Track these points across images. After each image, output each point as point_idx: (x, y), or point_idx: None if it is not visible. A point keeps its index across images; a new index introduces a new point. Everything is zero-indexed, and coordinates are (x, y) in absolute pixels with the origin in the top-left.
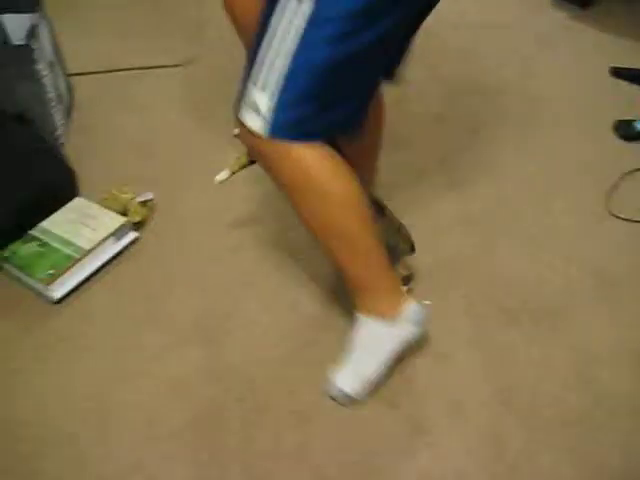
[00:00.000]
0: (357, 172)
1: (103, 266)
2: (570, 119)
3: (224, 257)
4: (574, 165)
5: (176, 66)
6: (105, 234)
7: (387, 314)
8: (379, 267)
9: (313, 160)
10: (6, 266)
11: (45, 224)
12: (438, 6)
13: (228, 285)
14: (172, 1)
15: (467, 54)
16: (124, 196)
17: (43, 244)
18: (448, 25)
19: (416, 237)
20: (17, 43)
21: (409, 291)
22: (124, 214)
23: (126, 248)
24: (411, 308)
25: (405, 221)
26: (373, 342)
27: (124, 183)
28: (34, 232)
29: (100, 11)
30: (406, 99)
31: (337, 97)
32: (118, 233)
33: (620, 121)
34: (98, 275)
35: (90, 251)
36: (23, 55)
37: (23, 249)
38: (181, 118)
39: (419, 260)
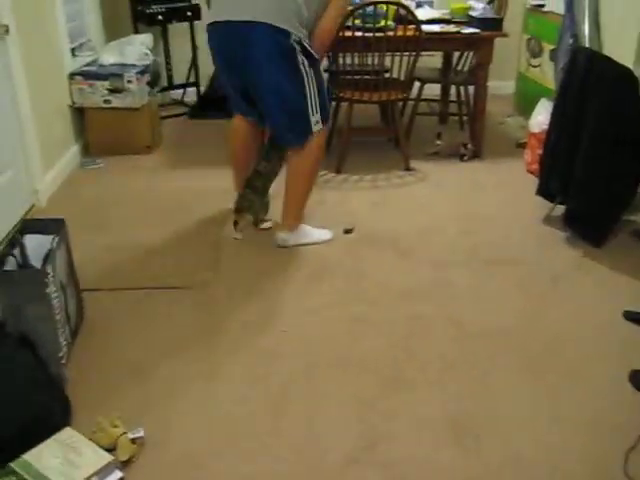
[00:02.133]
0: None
1: None
2: (583, 365)
3: None
4: (587, 418)
5: (187, 288)
6: (87, 474)
7: None
8: None
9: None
10: None
11: (28, 457)
12: (448, 239)
13: None
14: (196, 223)
15: (477, 291)
16: (115, 430)
17: None
18: (458, 261)
19: None
20: (33, 266)
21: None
22: (112, 449)
23: None
24: None
25: None
26: None
27: (118, 411)
28: (14, 465)
29: (126, 226)
30: (412, 335)
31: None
32: (102, 472)
33: (636, 371)
34: None
35: None
36: (36, 278)
37: None
38: (183, 343)
39: None
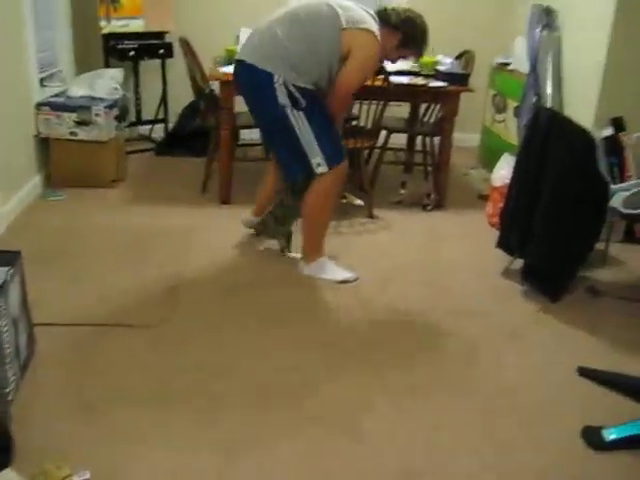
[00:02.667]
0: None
1: None
2: (537, 419)
3: None
4: (538, 474)
5: (143, 327)
6: None
7: None
8: None
9: None
10: None
11: None
12: (410, 288)
13: None
14: (156, 261)
15: (435, 341)
16: (59, 472)
17: None
18: (419, 310)
19: None
20: None
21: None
22: None
23: None
24: None
25: None
26: None
27: (64, 452)
28: None
29: (85, 260)
30: (369, 384)
31: None
32: None
33: (588, 427)
34: None
35: None
36: None
37: None
38: (135, 384)
39: None
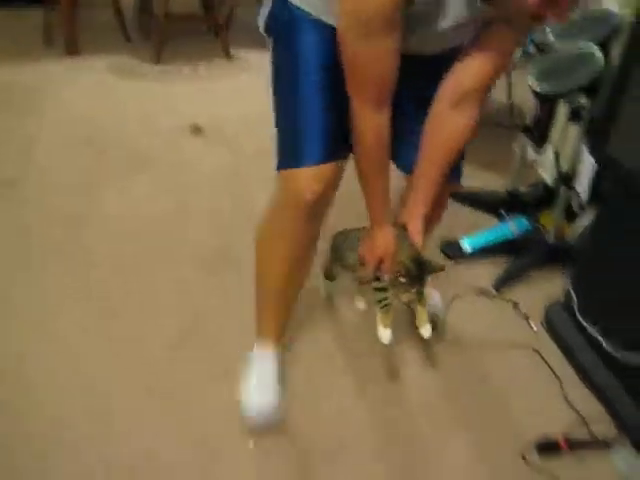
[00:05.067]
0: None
1: None
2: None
3: None
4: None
5: None
6: None
7: None
8: None
9: None
10: None
11: None
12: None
13: None
14: (4, 119)
15: None
16: None
17: None
18: None
19: None
20: None
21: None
22: None
23: None
24: None
25: None
26: None
27: None
28: None
29: None
30: (235, 224)
31: None
32: None
33: (446, 241)
34: None
35: None
36: None
37: None
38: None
39: None
